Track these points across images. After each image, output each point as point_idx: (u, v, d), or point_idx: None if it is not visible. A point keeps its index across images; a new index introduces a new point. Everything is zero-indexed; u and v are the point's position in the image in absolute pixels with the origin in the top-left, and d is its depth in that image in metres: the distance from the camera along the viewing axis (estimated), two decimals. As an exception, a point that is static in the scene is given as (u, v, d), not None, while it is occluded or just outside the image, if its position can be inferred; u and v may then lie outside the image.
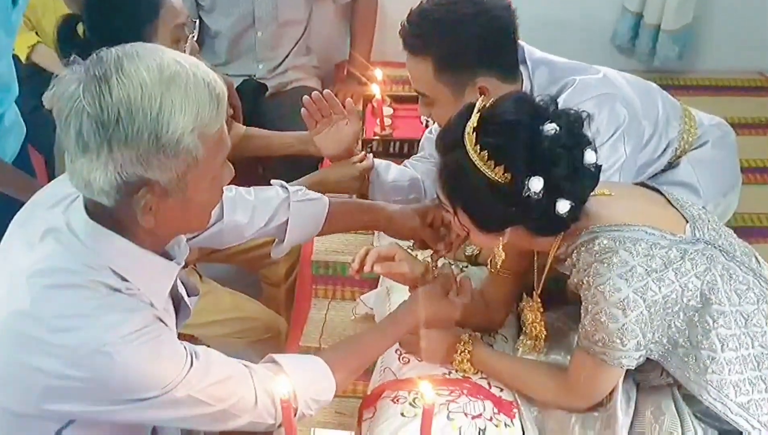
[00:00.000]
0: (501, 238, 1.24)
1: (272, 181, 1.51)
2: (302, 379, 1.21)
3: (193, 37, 1.63)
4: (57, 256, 1.04)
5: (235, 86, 2.33)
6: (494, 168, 1.15)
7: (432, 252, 1.52)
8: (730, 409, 1.22)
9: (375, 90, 2.18)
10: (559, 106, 1.22)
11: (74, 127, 0.95)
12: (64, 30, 1.53)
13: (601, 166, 1.22)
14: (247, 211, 1.42)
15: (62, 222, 1.06)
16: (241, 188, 1.44)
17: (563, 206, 1.17)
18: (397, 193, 1.75)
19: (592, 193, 1.24)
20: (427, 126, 1.88)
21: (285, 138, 1.93)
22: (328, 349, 1.37)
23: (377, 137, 2.16)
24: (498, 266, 1.34)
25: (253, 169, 2.25)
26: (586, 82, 1.57)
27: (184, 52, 1.58)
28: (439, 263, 1.48)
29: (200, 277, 1.89)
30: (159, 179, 0.99)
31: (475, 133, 1.17)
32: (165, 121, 0.96)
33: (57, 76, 0.98)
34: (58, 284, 1.02)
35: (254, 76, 2.42)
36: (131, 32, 1.49)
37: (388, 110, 2.23)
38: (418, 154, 1.89)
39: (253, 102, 2.38)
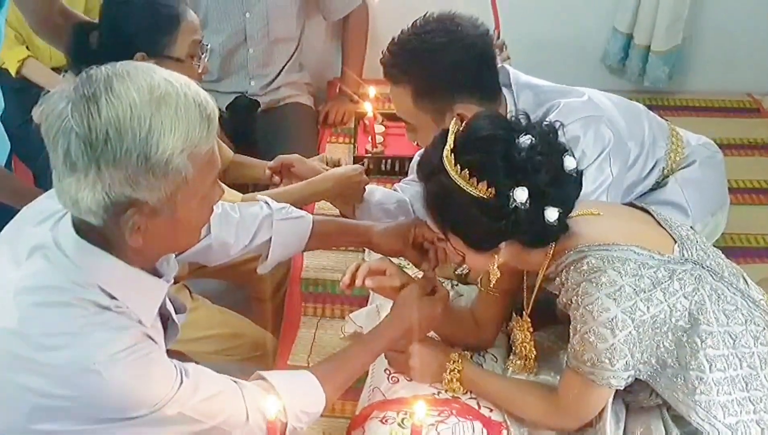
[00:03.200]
0: (496, 257, 1.24)
1: (258, 197, 1.51)
2: (291, 392, 1.20)
3: (206, 57, 1.63)
4: (45, 274, 1.03)
5: (227, 103, 2.33)
6: (477, 185, 1.16)
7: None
8: (718, 430, 1.22)
9: (367, 107, 2.19)
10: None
11: (62, 147, 0.95)
12: (77, 39, 1.52)
13: (582, 171, 1.23)
14: (232, 229, 1.42)
15: (50, 239, 1.05)
16: (226, 204, 1.44)
17: (552, 214, 1.17)
18: (385, 215, 1.75)
19: (580, 213, 1.25)
20: (418, 145, 1.89)
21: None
22: (315, 364, 1.37)
23: (369, 155, 2.17)
24: (491, 285, 1.34)
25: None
26: (570, 105, 1.58)
27: (198, 68, 1.59)
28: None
29: (190, 292, 1.88)
30: (147, 199, 0.99)
31: (453, 155, 1.18)
32: (154, 142, 0.95)
33: (46, 92, 0.98)
34: (45, 302, 1.01)
35: (246, 92, 2.42)
36: (149, 42, 1.50)
37: (379, 128, 2.24)
38: (408, 178, 1.90)
39: (245, 119, 2.38)
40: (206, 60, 1.63)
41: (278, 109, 2.44)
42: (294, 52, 2.47)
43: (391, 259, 1.53)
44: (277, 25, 2.36)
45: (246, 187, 2.23)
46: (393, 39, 1.55)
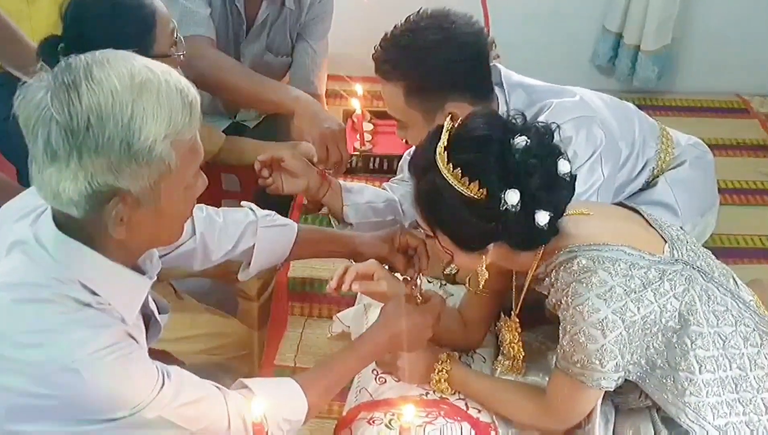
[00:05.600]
0: (484, 258, 1.22)
1: (243, 203, 1.49)
2: (273, 399, 1.18)
3: (183, 55, 1.58)
4: (24, 270, 1.01)
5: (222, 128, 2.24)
6: (469, 184, 1.15)
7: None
8: (707, 431, 1.21)
9: (355, 105, 2.17)
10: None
11: (42, 136, 0.93)
12: (47, 48, 1.45)
13: (576, 175, 1.22)
14: (215, 233, 1.40)
15: (30, 234, 1.03)
16: (210, 209, 1.42)
17: (542, 218, 1.16)
18: (374, 214, 1.74)
19: (570, 213, 1.24)
20: (407, 143, 1.87)
21: (266, 146, 1.91)
22: (300, 373, 1.35)
23: (357, 153, 2.15)
24: (480, 285, 1.32)
25: (216, 184, 2.22)
26: (563, 105, 1.57)
27: (180, 57, 1.54)
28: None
29: (175, 291, 1.87)
30: (131, 188, 0.97)
31: (446, 152, 1.17)
32: (136, 128, 0.94)
33: (23, 83, 0.95)
34: (24, 299, 0.99)
35: (235, 118, 2.33)
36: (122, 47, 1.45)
37: (368, 126, 2.22)
38: (397, 177, 1.89)
39: None
40: (183, 57, 1.55)
41: (266, 120, 2.38)
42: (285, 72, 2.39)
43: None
44: (272, 57, 2.25)
45: (219, 182, 2.21)
46: (385, 35, 1.54)
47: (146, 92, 0.95)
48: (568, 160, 1.19)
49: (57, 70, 0.95)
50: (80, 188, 0.95)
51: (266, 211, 1.48)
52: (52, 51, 1.44)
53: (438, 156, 1.17)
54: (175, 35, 1.54)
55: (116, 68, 0.95)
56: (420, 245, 1.47)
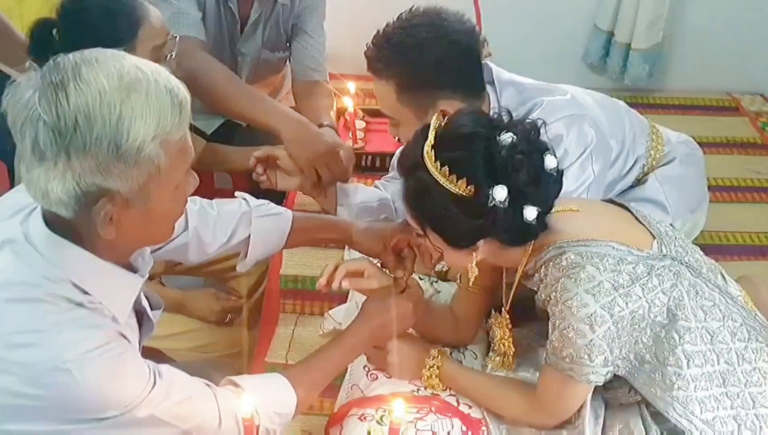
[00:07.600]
0: (474, 255, 1.23)
1: (237, 193, 1.49)
2: (262, 394, 1.19)
3: (173, 56, 1.57)
4: (15, 269, 1.01)
5: (210, 130, 2.23)
6: (457, 182, 1.15)
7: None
8: (695, 425, 1.22)
9: (347, 103, 2.17)
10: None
11: (30, 136, 0.92)
12: (41, 32, 1.44)
13: (563, 170, 1.22)
14: (210, 226, 1.40)
15: (20, 233, 1.03)
16: (204, 201, 1.42)
17: (530, 213, 1.17)
18: (367, 214, 1.74)
19: (558, 209, 1.25)
20: (399, 141, 1.88)
21: (247, 152, 1.88)
22: (288, 368, 1.35)
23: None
24: (470, 282, 1.33)
25: (208, 182, 2.21)
26: (554, 104, 1.58)
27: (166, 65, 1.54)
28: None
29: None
30: (119, 189, 0.96)
31: (433, 151, 1.17)
32: (125, 129, 0.93)
33: (12, 81, 0.95)
34: (15, 298, 0.99)
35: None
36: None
37: (360, 124, 2.22)
38: (389, 175, 1.89)
39: (229, 139, 2.31)
40: (172, 58, 1.55)
41: None
42: (279, 83, 2.38)
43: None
44: (266, 66, 2.24)
45: (211, 181, 2.21)
46: (378, 32, 1.54)
47: (135, 92, 0.94)
48: (555, 155, 1.20)
49: (45, 69, 0.95)
50: (68, 188, 0.94)
51: (260, 201, 1.47)
52: (45, 36, 1.44)
53: (425, 154, 1.18)
54: (165, 51, 1.53)
55: (105, 68, 0.94)
56: (413, 247, 1.46)
